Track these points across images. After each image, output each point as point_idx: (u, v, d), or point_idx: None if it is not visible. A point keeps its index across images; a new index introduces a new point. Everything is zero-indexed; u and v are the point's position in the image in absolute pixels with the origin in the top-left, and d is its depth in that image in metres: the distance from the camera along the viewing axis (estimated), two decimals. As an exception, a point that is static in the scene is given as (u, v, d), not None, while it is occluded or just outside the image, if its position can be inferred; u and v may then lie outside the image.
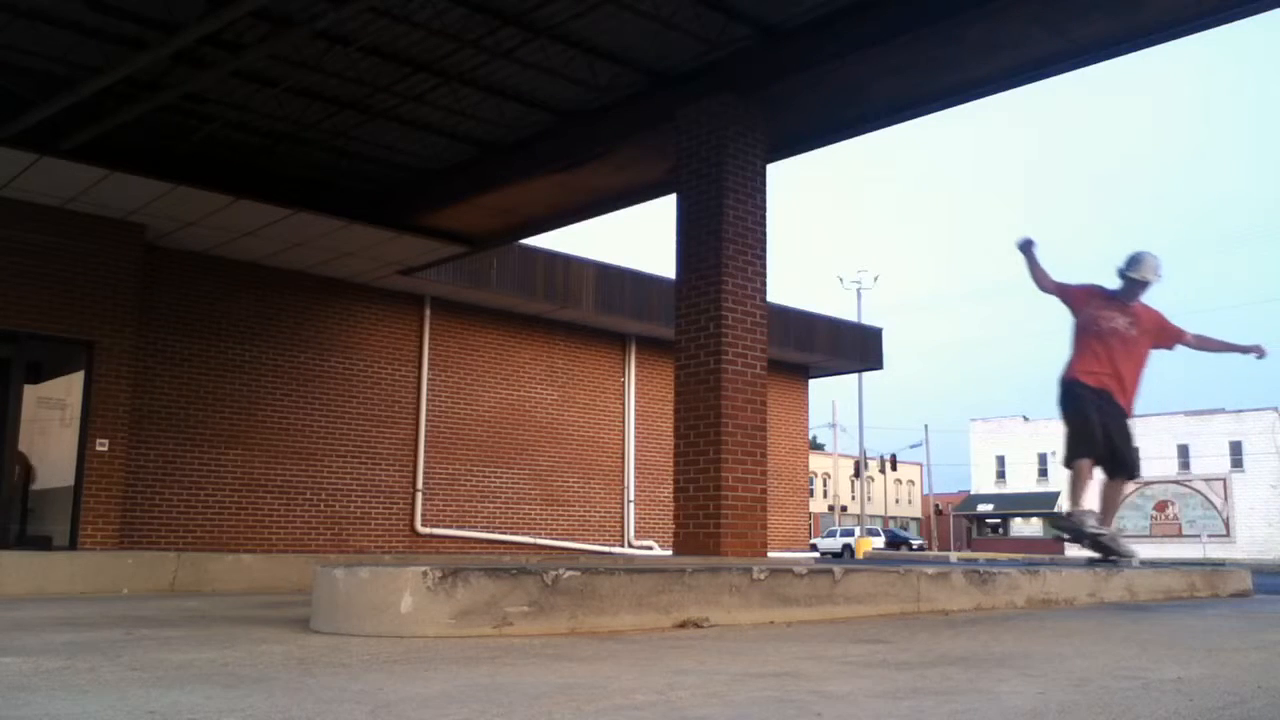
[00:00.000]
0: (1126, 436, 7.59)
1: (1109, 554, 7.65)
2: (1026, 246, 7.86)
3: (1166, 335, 7.69)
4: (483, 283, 16.20)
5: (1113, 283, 7.90)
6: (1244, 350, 7.71)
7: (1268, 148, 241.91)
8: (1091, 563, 7.62)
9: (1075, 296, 7.86)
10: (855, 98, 9.91)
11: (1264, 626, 5.09)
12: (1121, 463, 7.58)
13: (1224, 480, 55.72)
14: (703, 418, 9.12)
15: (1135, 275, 7.58)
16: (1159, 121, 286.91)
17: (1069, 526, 7.82)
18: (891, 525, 72.77)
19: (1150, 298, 7.87)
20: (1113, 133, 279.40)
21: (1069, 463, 7.67)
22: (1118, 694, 2.63)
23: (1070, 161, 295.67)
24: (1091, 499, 7.84)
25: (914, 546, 60.95)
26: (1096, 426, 7.41)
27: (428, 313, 16.62)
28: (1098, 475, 7.74)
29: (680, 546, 9.18)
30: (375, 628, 3.78)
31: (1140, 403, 7.82)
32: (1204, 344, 7.73)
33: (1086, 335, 7.62)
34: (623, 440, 19.04)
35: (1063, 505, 8.43)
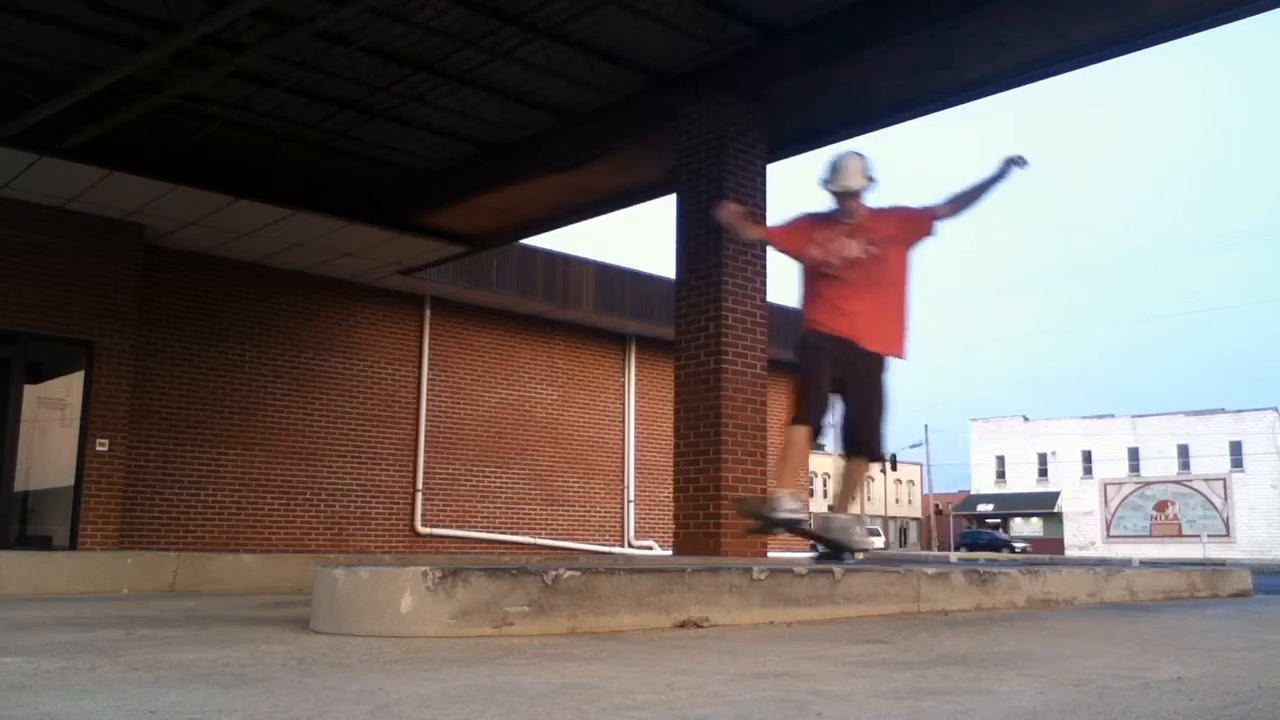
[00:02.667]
0: (871, 401, 5.90)
1: (831, 546, 6.09)
2: (734, 217, 6.22)
3: (918, 225, 5.92)
4: (483, 283, 16.20)
5: (825, 204, 6.10)
6: (1002, 176, 5.75)
7: (1265, 147, 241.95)
8: (821, 557, 6.12)
9: (788, 237, 6.16)
10: (855, 98, 9.91)
11: (1264, 626, 5.08)
12: (856, 436, 5.92)
13: (1224, 480, 55.74)
14: (703, 418, 9.12)
15: (838, 187, 5.92)
16: (1158, 121, 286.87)
17: (756, 510, 6.06)
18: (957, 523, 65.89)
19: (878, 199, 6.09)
20: (1111, 133, 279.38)
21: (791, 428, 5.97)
22: (1118, 694, 2.63)
23: (1069, 161, 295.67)
24: (853, 485, 6.33)
25: (1016, 549, 53.69)
26: (823, 387, 5.79)
27: (428, 313, 16.62)
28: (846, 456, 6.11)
29: (680, 546, 9.18)
30: (375, 628, 3.78)
31: (911, 334, 5.99)
32: (962, 202, 5.85)
33: (815, 279, 5.96)
34: (623, 440, 19.04)
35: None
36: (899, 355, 5.88)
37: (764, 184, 9.62)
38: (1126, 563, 18.36)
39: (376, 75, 10.22)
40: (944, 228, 5.84)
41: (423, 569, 3.80)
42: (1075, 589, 6.74)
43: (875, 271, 5.80)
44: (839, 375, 5.76)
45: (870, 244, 5.81)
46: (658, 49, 9.68)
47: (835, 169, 5.91)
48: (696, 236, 9.40)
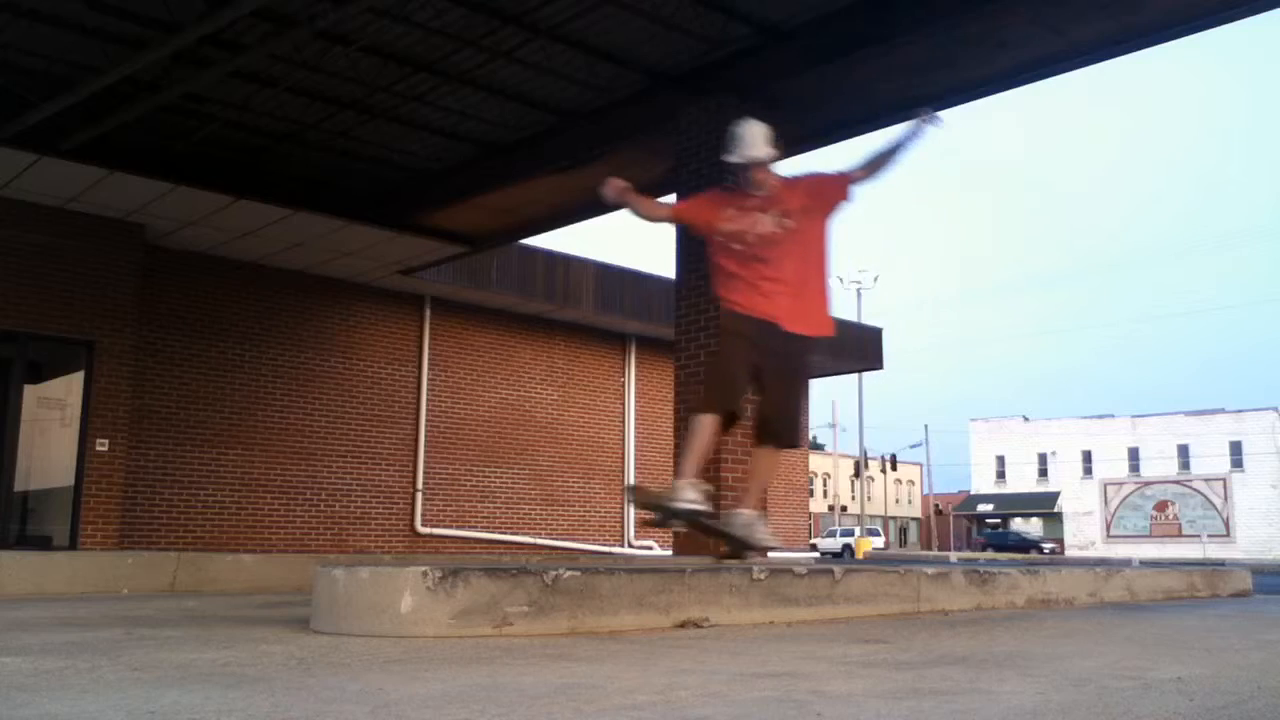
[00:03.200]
0: (792, 386, 5.55)
1: (732, 543, 5.60)
2: (623, 193, 5.60)
3: (833, 191, 5.50)
4: (483, 283, 16.20)
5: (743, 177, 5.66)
6: (915, 134, 5.36)
7: (1264, 147, 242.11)
8: (723, 556, 5.71)
9: (697, 210, 5.92)
10: (855, 98, 9.91)
11: (1264, 626, 5.08)
12: (769, 425, 5.47)
13: (1224, 480, 55.70)
14: (703, 418, 9.10)
15: (741, 158, 5.54)
16: (1158, 120, 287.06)
17: (653, 502, 5.58)
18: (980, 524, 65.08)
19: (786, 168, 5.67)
20: (1111, 132, 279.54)
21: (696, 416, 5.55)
22: (1118, 694, 2.63)
23: (1069, 161, 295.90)
24: (760, 475, 5.81)
25: (1045, 550, 53.84)
26: (739, 375, 5.44)
27: (428, 313, 16.62)
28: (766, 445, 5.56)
29: (680, 547, 9.17)
30: (375, 628, 3.78)
31: (831, 307, 5.58)
32: (877, 164, 5.43)
33: (729, 257, 5.58)
34: (623, 440, 19.04)
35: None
36: (827, 333, 5.51)
37: (764, 184, 9.60)
38: (1126, 563, 18.35)
39: (376, 75, 10.22)
40: (860, 191, 5.41)
41: (423, 569, 3.80)
42: (1075, 589, 6.74)
43: (792, 247, 5.40)
44: (758, 361, 5.36)
45: (784, 216, 5.42)
46: (658, 49, 9.68)
47: (738, 139, 5.50)
48: (696, 237, 9.39)
